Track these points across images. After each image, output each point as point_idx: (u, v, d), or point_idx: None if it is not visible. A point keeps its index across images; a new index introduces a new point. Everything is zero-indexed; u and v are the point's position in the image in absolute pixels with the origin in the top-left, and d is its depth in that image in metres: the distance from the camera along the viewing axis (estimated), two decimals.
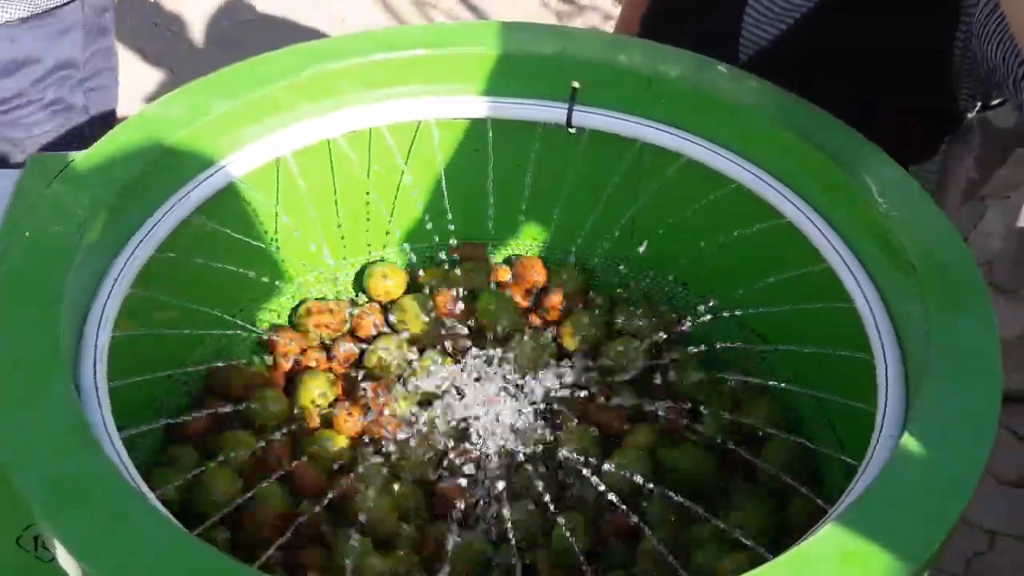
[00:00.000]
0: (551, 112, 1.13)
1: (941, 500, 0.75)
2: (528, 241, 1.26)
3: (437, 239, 1.21)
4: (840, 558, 0.72)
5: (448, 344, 1.17)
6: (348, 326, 1.20)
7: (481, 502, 1.03)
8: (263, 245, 1.13)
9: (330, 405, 1.12)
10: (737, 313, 1.09)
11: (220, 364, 1.13)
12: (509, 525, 0.97)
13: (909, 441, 0.78)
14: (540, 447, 1.06)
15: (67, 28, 1.59)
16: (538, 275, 1.23)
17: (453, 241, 1.20)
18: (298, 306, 1.21)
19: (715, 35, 1.28)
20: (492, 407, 1.08)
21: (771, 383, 1.07)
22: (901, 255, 0.93)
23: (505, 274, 1.23)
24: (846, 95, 1.17)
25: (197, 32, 3.19)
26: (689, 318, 1.14)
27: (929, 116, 1.24)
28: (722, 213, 1.09)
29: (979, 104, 1.20)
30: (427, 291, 1.21)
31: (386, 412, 1.10)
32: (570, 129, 1.14)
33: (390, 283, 1.23)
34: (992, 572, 1.99)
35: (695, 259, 1.14)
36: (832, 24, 1.20)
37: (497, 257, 1.28)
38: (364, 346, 1.17)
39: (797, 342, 1.06)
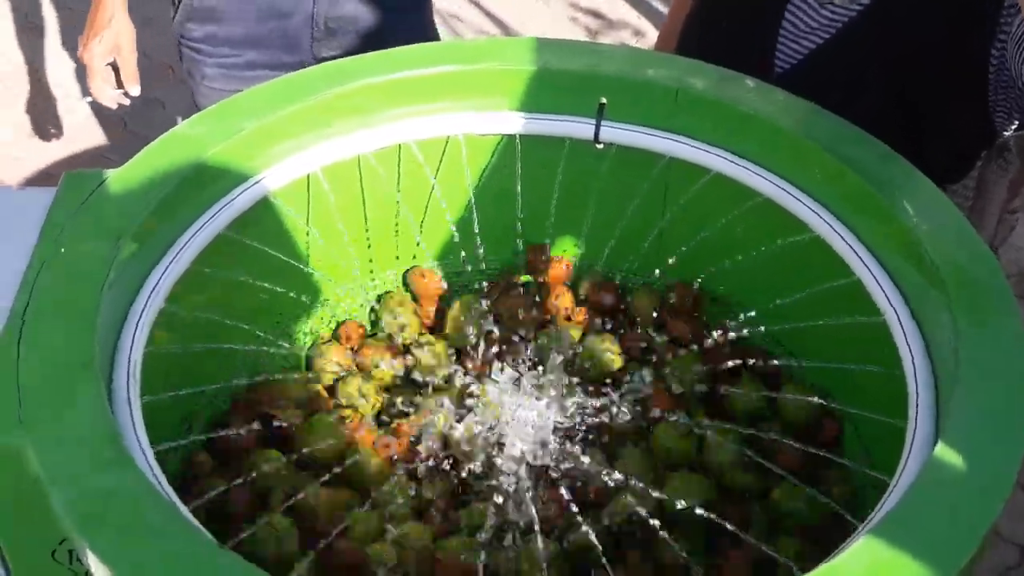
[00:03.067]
0: (579, 127, 1.14)
1: (972, 514, 0.75)
2: (556, 255, 1.26)
3: (464, 254, 1.21)
4: (871, 572, 0.71)
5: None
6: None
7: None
8: (293, 260, 1.13)
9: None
10: (766, 328, 1.09)
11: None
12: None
13: (940, 455, 0.78)
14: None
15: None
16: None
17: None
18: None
19: (750, 49, 1.28)
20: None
21: (799, 397, 1.07)
22: (930, 268, 0.92)
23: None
24: (882, 110, 1.17)
25: None
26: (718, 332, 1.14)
27: (965, 132, 1.23)
28: (749, 227, 1.09)
29: (1016, 123, 1.19)
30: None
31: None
32: (598, 144, 1.14)
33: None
34: None
35: (723, 273, 1.14)
36: (870, 39, 1.20)
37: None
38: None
39: (826, 356, 1.05)
